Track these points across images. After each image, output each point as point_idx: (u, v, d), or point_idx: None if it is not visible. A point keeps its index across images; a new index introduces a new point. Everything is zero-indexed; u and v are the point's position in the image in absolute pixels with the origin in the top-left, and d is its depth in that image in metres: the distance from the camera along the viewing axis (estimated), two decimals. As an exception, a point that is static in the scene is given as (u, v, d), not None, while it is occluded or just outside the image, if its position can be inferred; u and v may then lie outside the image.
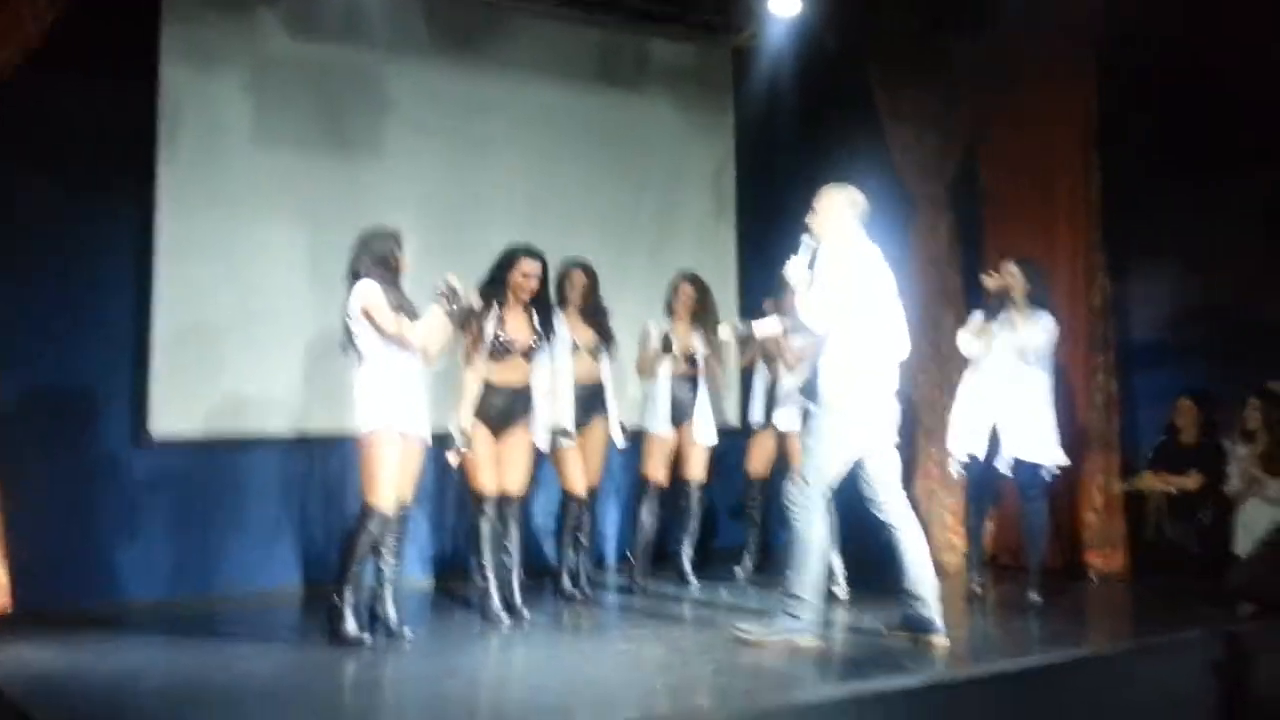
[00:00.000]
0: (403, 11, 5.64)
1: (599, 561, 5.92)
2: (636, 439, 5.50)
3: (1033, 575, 4.96)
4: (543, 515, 5.80)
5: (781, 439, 5.45)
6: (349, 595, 4.17)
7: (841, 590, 5.05)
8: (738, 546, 5.77)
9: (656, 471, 5.43)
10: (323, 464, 5.42)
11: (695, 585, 5.44)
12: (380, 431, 4.17)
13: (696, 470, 5.53)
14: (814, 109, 6.55)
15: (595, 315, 5.26)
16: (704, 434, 5.46)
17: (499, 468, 4.63)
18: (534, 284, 4.68)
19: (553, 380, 4.81)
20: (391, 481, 4.20)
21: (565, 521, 5.21)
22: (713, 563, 5.84)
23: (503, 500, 4.66)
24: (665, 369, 5.40)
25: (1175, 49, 5.45)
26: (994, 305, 5.09)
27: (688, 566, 5.54)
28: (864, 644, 4.25)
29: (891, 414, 4.23)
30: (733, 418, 6.16)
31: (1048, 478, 5.04)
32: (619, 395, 5.29)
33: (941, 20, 6.08)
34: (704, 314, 5.52)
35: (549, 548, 5.69)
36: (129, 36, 5.09)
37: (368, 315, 4.19)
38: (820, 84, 6.44)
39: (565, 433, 4.91)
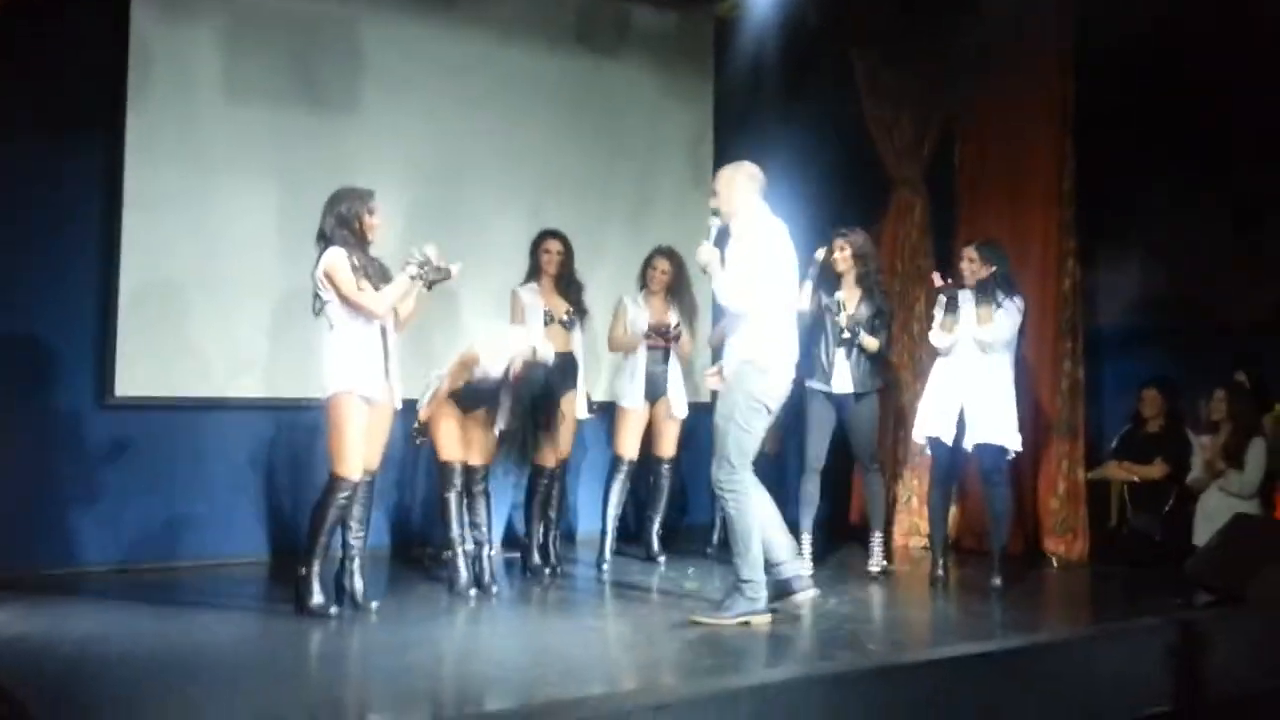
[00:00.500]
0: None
1: (569, 535, 5.91)
2: (609, 413, 5.49)
3: (995, 560, 5.03)
4: (515, 488, 5.78)
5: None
6: (315, 566, 4.14)
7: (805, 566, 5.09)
8: (708, 522, 5.80)
9: (628, 446, 5.42)
10: (291, 429, 5.35)
11: (663, 561, 5.46)
12: (343, 395, 4.13)
13: (668, 446, 5.54)
14: (795, 83, 6.51)
15: (569, 287, 5.24)
16: (678, 407, 5.47)
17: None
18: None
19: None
20: (358, 450, 4.17)
21: (534, 494, 5.20)
22: (682, 539, 5.86)
23: (469, 471, 4.64)
24: (640, 343, 5.38)
25: (1151, 41, 5.46)
26: (953, 298, 5.10)
27: (656, 543, 5.55)
28: (826, 624, 4.29)
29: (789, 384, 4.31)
30: (704, 393, 6.15)
31: (1010, 456, 5.09)
32: (591, 368, 5.27)
33: (921, 2, 6.06)
34: (678, 289, 5.50)
35: (519, 521, 5.68)
36: (99, -15, 4.95)
37: (330, 280, 4.14)
38: (801, 58, 6.40)
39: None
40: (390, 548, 5.58)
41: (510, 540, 5.73)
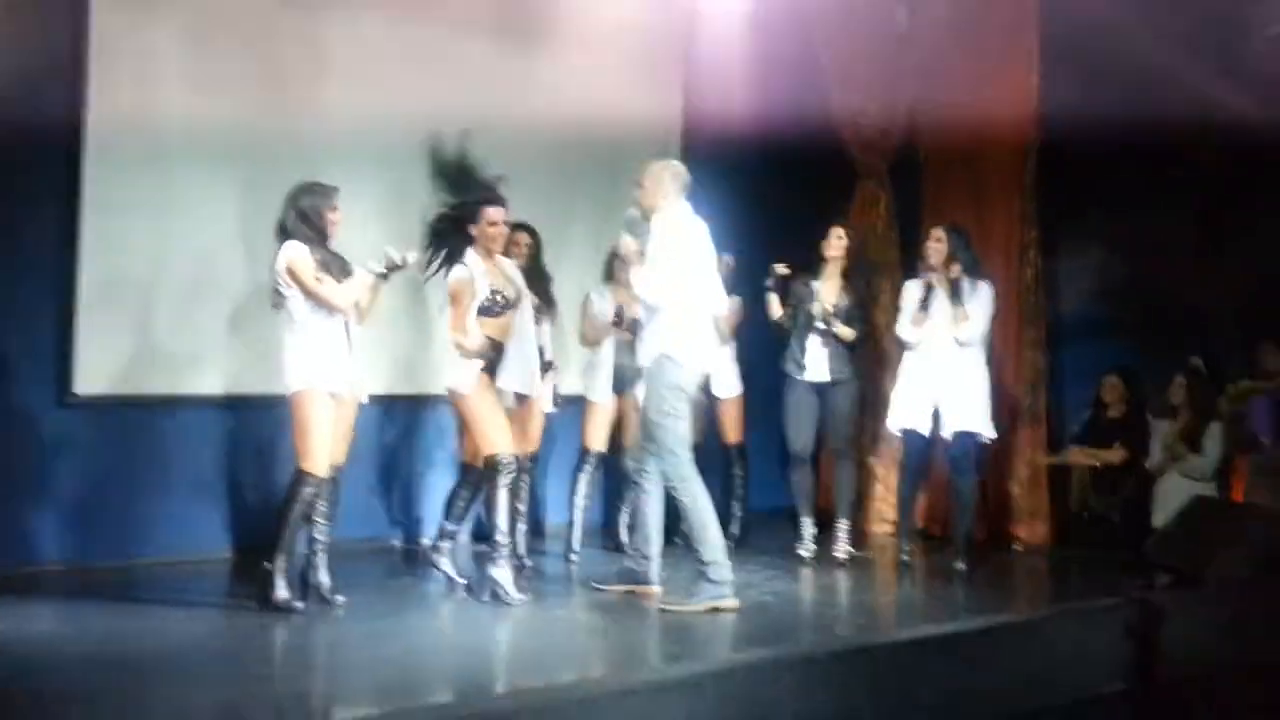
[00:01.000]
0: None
1: (538, 529, 5.91)
2: (577, 406, 5.49)
3: (959, 545, 5.09)
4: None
5: (712, 404, 5.59)
6: (281, 561, 4.12)
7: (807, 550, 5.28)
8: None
9: (595, 439, 5.43)
10: (255, 426, 5.31)
11: (631, 553, 5.46)
12: (307, 392, 4.12)
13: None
14: (764, 71, 6.53)
15: (538, 279, 5.23)
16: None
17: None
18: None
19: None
20: (324, 445, 4.15)
21: (502, 487, 5.18)
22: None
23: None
24: (608, 337, 5.39)
25: (1115, 30, 5.53)
26: (927, 289, 5.15)
27: (625, 534, 5.57)
28: (792, 609, 4.33)
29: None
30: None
31: (983, 443, 5.16)
32: (560, 361, 5.27)
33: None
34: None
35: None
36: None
37: (292, 275, 4.12)
38: (771, 46, 6.42)
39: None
40: (358, 541, 5.56)
41: (479, 533, 5.72)
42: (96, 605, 4.28)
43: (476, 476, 4.56)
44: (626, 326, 5.36)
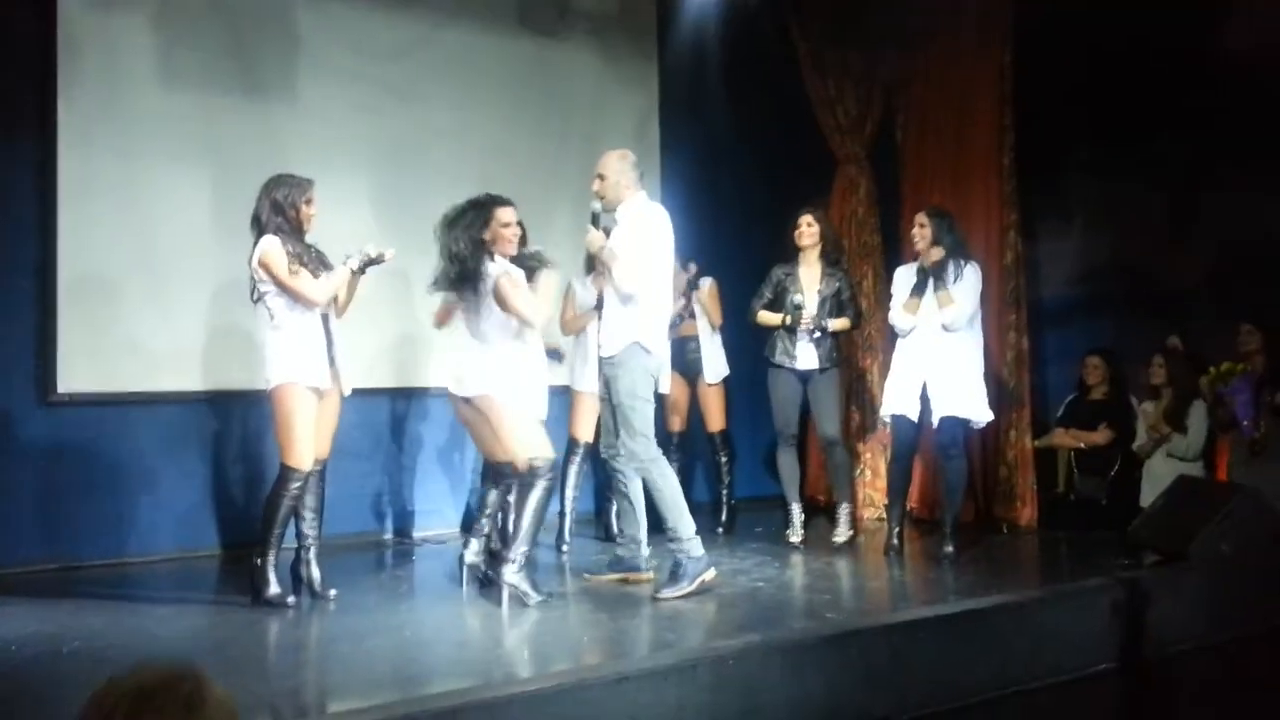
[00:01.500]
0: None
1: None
2: (564, 397, 5.49)
3: (948, 528, 5.11)
4: (473, 473, 5.76)
5: (695, 392, 5.63)
6: (270, 557, 4.10)
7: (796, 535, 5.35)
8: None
9: (583, 429, 5.42)
10: (237, 421, 5.29)
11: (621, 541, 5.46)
12: (287, 386, 4.09)
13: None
14: (739, 60, 6.53)
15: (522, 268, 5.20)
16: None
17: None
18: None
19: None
20: (308, 440, 4.13)
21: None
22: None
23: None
24: (592, 326, 5.38)
25: (1088, 12, 5.55)
26: (920, 275, 5.14)
27: (615, 523, 5.56)
28: (783, 593, 4.33)
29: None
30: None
31: (975, 428, 5.17)
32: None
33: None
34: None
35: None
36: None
37: (265, 269, 4.09)
38: (746, 35, 6.42)
39: None
40: (348, 536, 5.53)
41: (469, 525, 5.70)
42: (83, 604, 4.24)
43: (506, 477, 4.44)
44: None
